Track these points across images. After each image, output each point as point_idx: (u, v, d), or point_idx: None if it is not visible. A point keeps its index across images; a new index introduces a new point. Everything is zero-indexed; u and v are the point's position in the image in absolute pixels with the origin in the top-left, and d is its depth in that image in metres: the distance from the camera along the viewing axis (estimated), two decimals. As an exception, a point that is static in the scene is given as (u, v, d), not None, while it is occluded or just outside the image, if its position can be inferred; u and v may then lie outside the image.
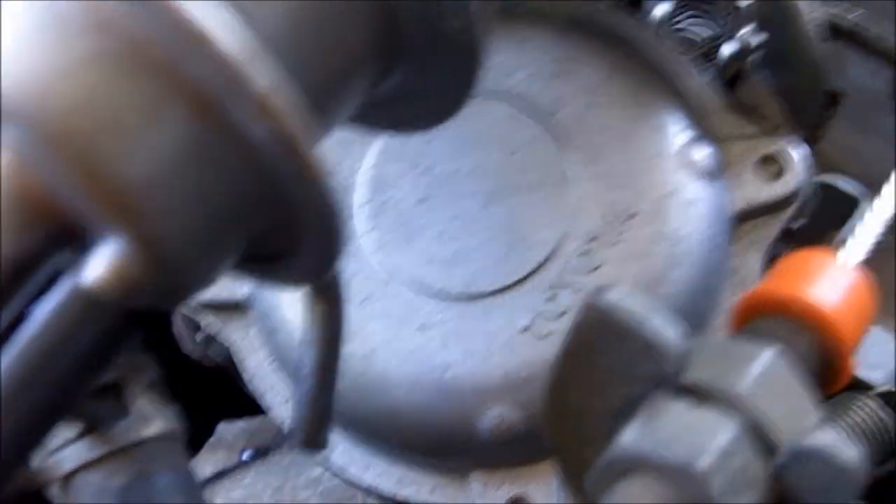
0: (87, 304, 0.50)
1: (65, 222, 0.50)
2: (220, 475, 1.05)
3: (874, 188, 1.13)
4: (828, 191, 1.10)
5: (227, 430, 1.08)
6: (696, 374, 0.56)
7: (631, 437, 0.54)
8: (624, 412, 0.57)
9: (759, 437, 0.54)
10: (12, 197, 0.49)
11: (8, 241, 0.50)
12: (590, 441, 0.59)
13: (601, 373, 0.58)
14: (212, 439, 1.07)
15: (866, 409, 0.90)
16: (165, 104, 0.49)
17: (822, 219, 0.97)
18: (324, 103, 0.57)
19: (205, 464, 1.05)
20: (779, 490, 0.54)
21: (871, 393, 0.92)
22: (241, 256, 0.57)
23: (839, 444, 0.53)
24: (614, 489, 0.53)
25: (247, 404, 0.99)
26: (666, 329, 0.56)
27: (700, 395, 0.55)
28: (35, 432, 0.52)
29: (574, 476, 0.62)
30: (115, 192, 0.48)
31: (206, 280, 0.55)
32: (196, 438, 1.02)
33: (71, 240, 0.51)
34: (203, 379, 0.99)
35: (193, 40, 0.47)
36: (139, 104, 0.48)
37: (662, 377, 0.56)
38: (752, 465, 0.53)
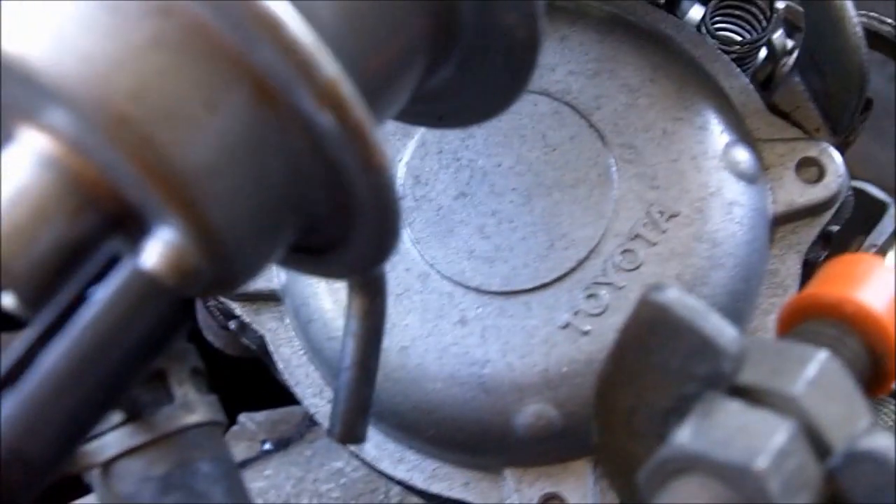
0: (145, 289, 0.50)
1: (121, 206, 0.50)
2: (241, 466, 1.05)
3: (888, 194, 1.13)
4: (857, 196, 1.10)
5: (249, 420, 1.08)
6: (750, 374, 0.56)
7: (686, 436, 0.54)
8: (676, 410, 0.56)
9: (814, 438, 0.54)
10: (67, 181, 0.49)
11: (62, 225, 0.49)
12: (639, 438, 0.59)
13: (654, 370, 0.58)
14: (233, 429, 1.07)
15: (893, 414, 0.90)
16: (228, 91, 0.49)
17: (851, 223, 0.97)
18: (379, 94, 0.56)
19: (226, 454, 1.05)
20: (832, 492, 0.54)
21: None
22: (291, 246, 0.57)
23: (894, 447, 0.53)
24: (669, 488, 0.53)
25: (269, 395, 0.99)
26: (725, 328, 0.56)
27: (755, 395, 0.55)
28: (91, 415, 0.51)
29: (620, 473, 0.62)
30: (173, 183, 0.48)
31: (258, 269, 0.55)
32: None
33: (128, 224, 0.51)
34: (224, 369, 0.99)
35: (262, 26, 0.47)
36: (201, 91, 0.48)
37: (718, 377, 0.55)
38: (808, 466, 0.53)
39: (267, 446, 1.07)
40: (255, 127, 0.49)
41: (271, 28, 0.46)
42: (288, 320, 0.88)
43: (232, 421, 1.09)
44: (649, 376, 0.58)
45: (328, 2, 0.52)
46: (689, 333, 0.56)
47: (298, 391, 0.88)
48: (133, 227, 0.51)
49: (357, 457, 0.86)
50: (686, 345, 0.56)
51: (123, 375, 0.51)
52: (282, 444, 1.08)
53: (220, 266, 0.51)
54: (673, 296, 0.56)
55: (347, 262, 0.58)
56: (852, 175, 1.05)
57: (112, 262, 0.51)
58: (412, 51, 0.57)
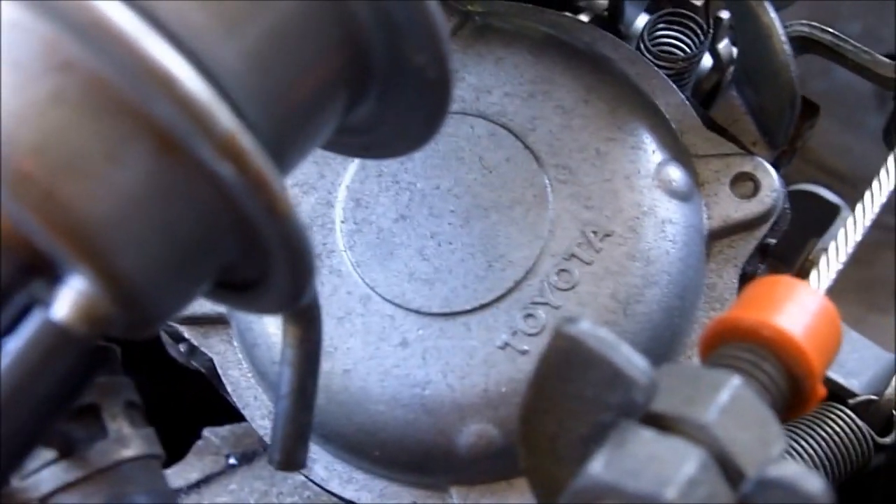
0: (56, 339, 0.50)
1: (34, 256, 0.51)
2: (205, 480, 1.06)
3: (862, 186, 1.14)
4: (810, 199, 1.11)
5: (213, 434, 1.09)
6: (663, 402, 0.56)
7: (599, 465, 0.54)
8: (594, 438, 0.57)
9: (725, 466, 0.54)
10: None
11: None
12: (563, 463, 0.60)
13: (570, 399, 0.58)
14: (197, 444, 1.08)
15: (841, 421, 0.91)
16: (129, 143, 0.49)
17: (804, 227, 0.98)
18: (294, 134, 0.57)
19: (190, 468, 1.06)
20: (744, 519, 0.55)
21: (849, 402, 0.94)
22: (212, 284, 0.58)
23: (804, 474, 0.53)
24: (583, 517, 0.54)
25: (233, 409, 1.00)
26: (635, 359, 0.56)
27: (667, 423, 0.56)
28: (7, 464, 0.52)
29: (548, 496, 0.62)
30: (78, 234, 0.49)
31: (174, 310, 0.56)
32: (183, 443, 1.02)
33: (42, 272, 0.51)
34: (189, 383, 0.99)
35: (158, 82, 0.47)
36: (102, 144, 0.49)
37: (630, 406, 0.56)
38: (719, 494, 0.54)
39: (231, 461, 1.08)
40: (158, 177, 0.50)
41: (166, 84, 0.47)
42: (235, 343, 0.89)
43: (198, 433, 1.09)
44: (567, 404, 0.59)
45: (234, 46, 0.52)
46: (601, 365, 0.56)
47: (247, 413, 0.89)
48: (47, 275, 0.51)
49: (307, 478, 0.87)
50: (598, 376, 0.57)
51: (38, 423, 0.51)
52: (246, 458, 1.08)
53: (133, 311, 0.52)
54: (584, 328, 0.57)
55: (268, 300, 0.59)
56: (825, 167, 1.05)
57: (25, 312, 0.52)
58: (326, 89, 0.58)
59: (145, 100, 0.48)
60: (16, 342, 0.50)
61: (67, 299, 0.50)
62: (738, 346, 0.61)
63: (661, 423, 0.56)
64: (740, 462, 0.55)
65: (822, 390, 0.62)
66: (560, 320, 0.57)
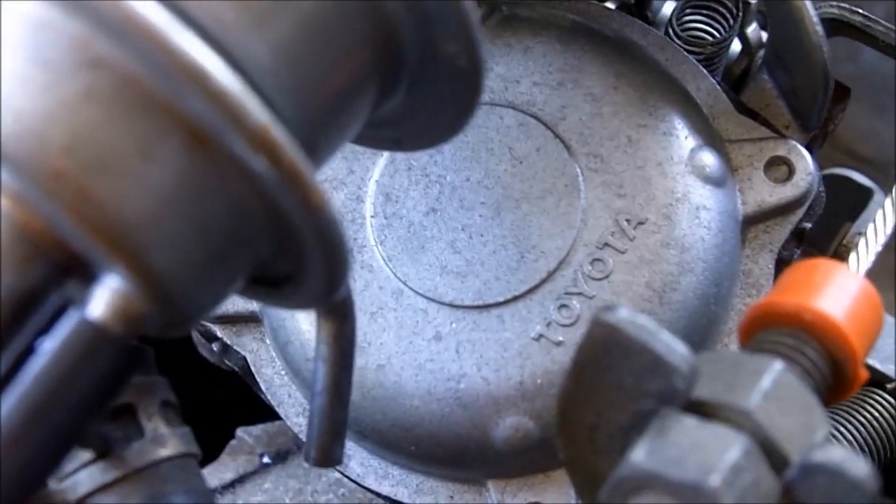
0: (93, 338, 0.50)
1: (69, 255, 0.51)
2: (240, 480, 1.05)
3: (888, 170, 1.13)
4: (842, 183, 1.10)
5: (247, 434, 1.09)
6: (705, 389, 0.56)
7: (641, 454, 0.54)
8: (634, 427, 0.57)
9: (769, 452, 0.54)
10: (12, 233, 0.50)
11: (11, 275, 0.50)
12: (603, 453, 0.59)
13: (610, 388, 0.58)
14: (231, 444, 1.08)
15: (882, 405, 0.90)
16: (161, 140, 0.49)
17: (837, 211, 0.97)
18: (326, 126, 0.57)
19: (224, 468, 1.06)
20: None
21: (887, 387, 0.93)
22: (246, 281, 0.57)
23: (850, 458, 0.53)
24: (628, 506, 0.54)
25: (266, 408, 1.00)
26: (675, 346, 0.56)
27: (709, 410, 0.55)
28: (45, 464, 0.52)
29: (587, 488, 0.62)
30: (112, 233, 0.48)
31: (210, 307, 0.55)
32: (216, 443, 1.02)
33: (77, 272, 0.51)
34: (221, 383, 0.99)
35: (190, 77, 0.47)
36: (135, 141, 0.49)
37: (671, 393, 0.56)
38: (763, 480, 0.53)
39: (265, 459, 1.08)
40: (192, 173, 0.50)
41: (199, 79, 0.47)
42: (268, 341, 0.88)
43: (232, 432, 1.09)
44: (607, 394, 0.58)
45: (264, 41, 0.52)
46: (641, 352, 0.56)
47: (282, 411, 0.88)
48: (81, 275, 0.51)
49: (342, 474, 0.87)
50: (639, 363, 0.56)
51: (76, 424, 0.51)
52: (280, 457, 1.08)
53: (169, 309, 0.52)
54: (623, 316, 0.56)
55: (303, 294, 0.59)
56: (850, 150, 1.04)
57: (60, 312, 0.51)
58: (357, 82, 0.57)
59: (177, 95, 0.48)
60: (52, 342, 0.50)
61: (103, 298, 0.50)
62: (778, 332, 0.61)
63: (702, 410, 0.55)
64: (784, 448, 0.54)
65: (864, 374, 0.62)
66: (598, 309, 0.57)
